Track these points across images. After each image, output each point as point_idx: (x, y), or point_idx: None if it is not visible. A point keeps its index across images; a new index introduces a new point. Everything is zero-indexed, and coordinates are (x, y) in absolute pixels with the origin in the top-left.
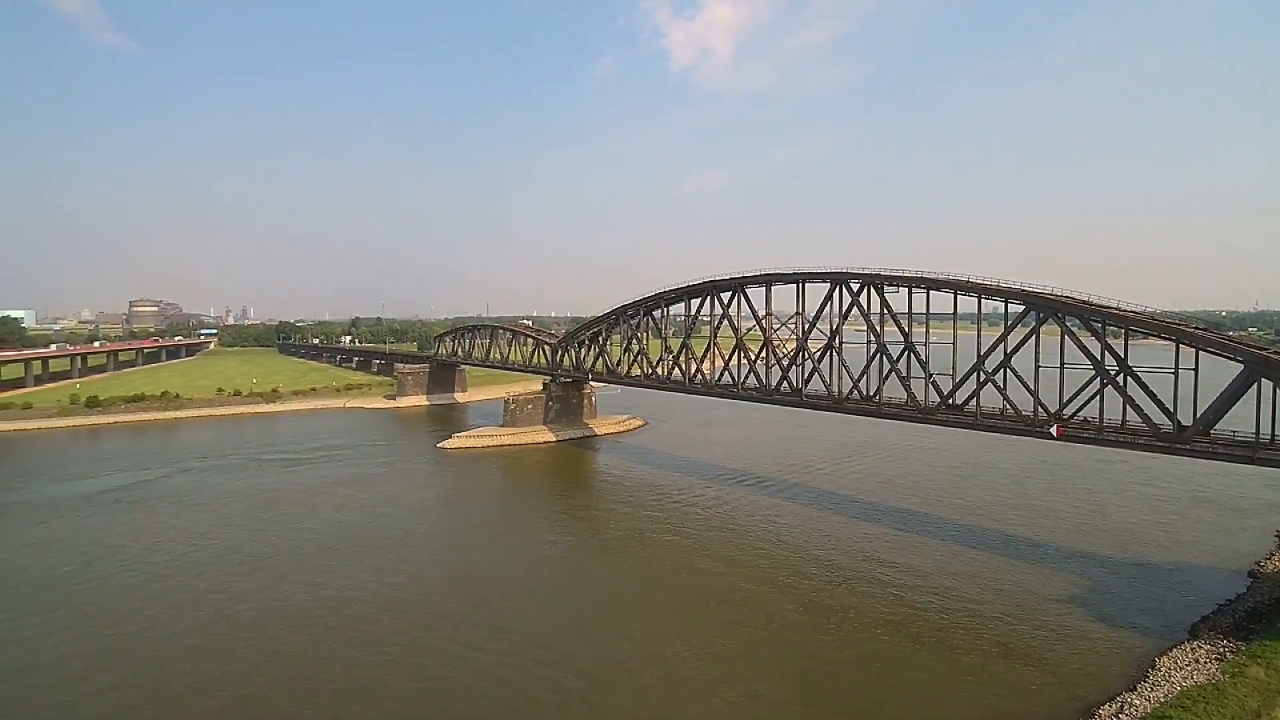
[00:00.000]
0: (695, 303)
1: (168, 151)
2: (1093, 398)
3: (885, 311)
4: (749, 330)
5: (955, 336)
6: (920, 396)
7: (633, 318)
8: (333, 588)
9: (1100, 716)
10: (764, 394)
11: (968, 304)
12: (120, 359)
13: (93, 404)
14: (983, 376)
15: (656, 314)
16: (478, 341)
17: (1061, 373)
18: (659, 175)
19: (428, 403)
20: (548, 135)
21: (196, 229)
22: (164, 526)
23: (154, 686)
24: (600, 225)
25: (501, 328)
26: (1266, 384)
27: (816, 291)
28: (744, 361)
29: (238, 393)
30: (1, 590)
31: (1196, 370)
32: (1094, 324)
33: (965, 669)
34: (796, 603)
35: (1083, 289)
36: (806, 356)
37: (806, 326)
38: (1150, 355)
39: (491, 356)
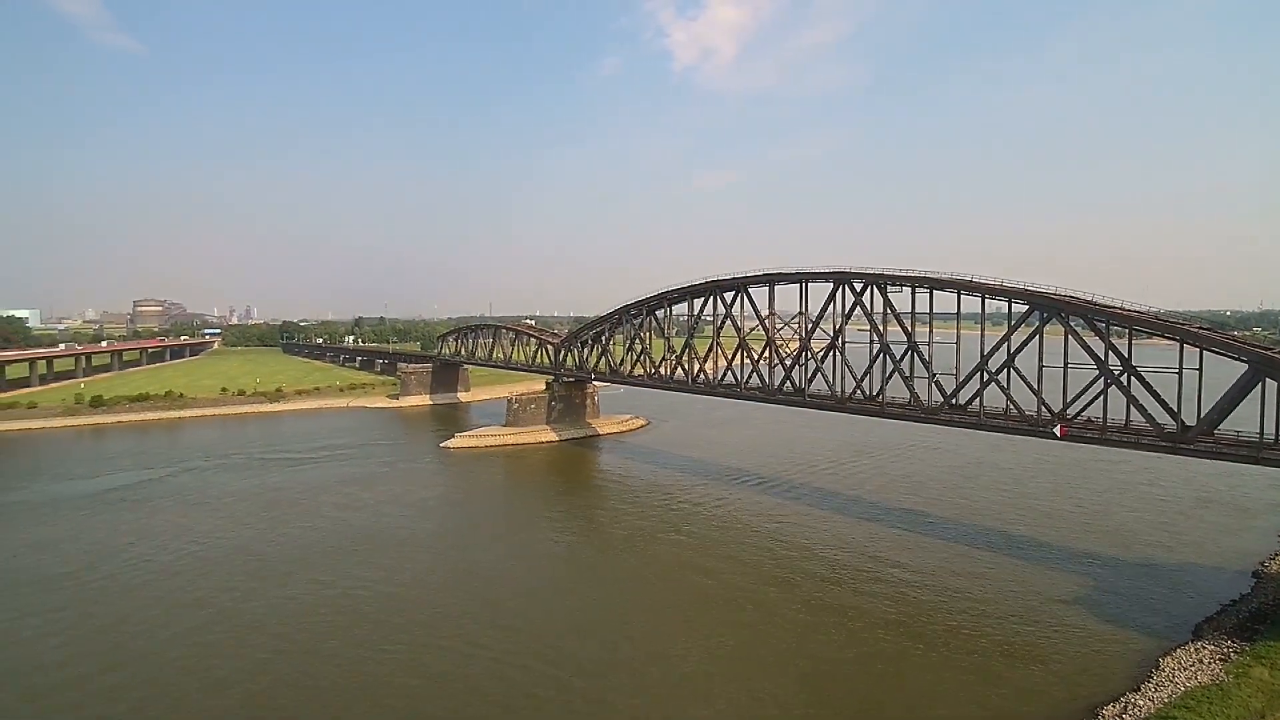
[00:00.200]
0: (698, 302)
1: (171, 151)
2: (1096, 398)
3: (888, 311)
4: (752, 330)
5: (958, 336)
6: (923, 396)
7: (636, 317)
8: (337, 587)
9: (1104, 717)
10: (767, 394)
11: (971, 304)
12: (124, 359)
13: (97, 403)
14: (986, 376)
15: (659, 313)
16: (481, 341)
17: (1065, 372)
18: (661, 175)
19: (431, 402)
20: (550, 135)
21: (200, 229)
22: (168, 525)
23: (161, 686)
24: (603, 225)
25: (504, 327)
26: (1271, 384)
27: (819, 291)
28: (747, 361)
29: (241, 392)
30: (6, 590)
31: (1201, 370)
32: (1098, 324)
33: (969, 669)
34: (800, 602)
35: (1086, 288)
36: (809, 356)
37: (809, 326)
38: (1154, 355)
39: (494, 356)
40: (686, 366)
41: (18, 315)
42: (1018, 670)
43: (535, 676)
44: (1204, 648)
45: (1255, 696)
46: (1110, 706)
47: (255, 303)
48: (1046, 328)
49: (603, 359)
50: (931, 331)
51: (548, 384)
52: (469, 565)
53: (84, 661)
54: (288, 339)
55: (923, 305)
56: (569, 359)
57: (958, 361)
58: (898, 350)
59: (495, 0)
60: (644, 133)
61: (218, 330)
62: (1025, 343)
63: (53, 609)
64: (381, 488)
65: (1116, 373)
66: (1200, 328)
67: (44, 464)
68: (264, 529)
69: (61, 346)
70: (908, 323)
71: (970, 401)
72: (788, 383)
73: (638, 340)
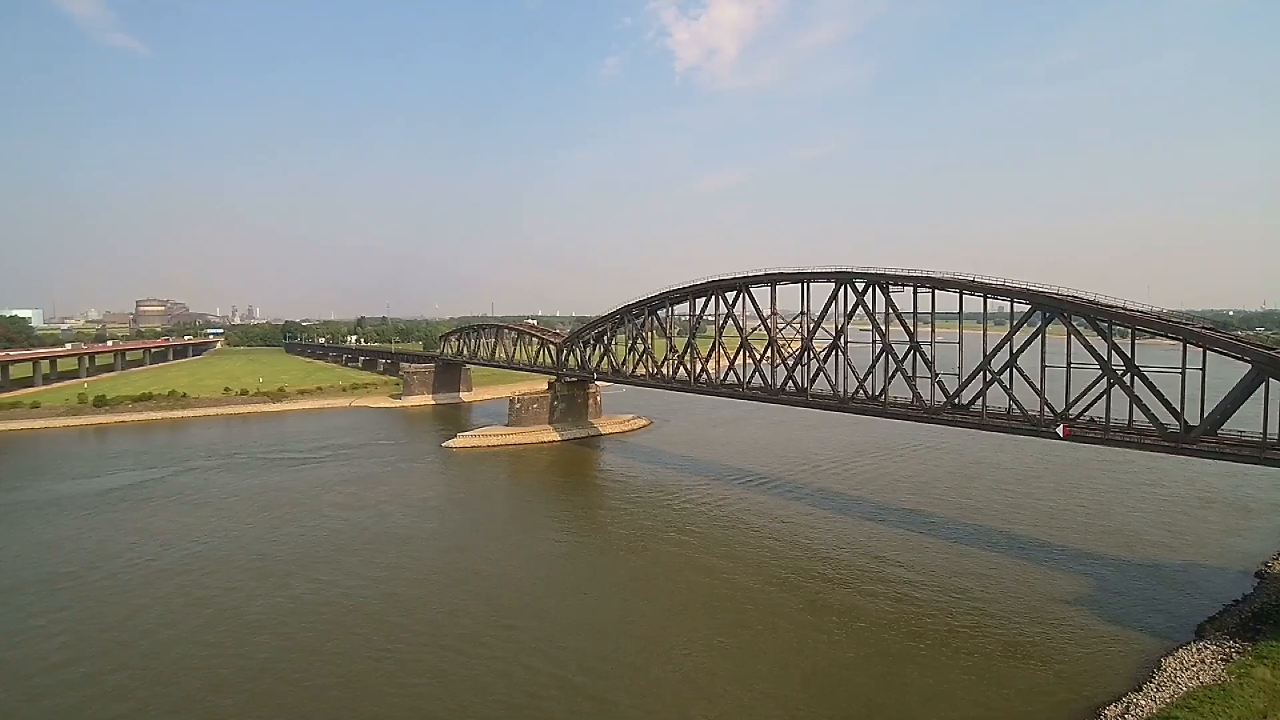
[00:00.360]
0: (700, 302)
1: (174, 152)
2: (1099, 398)
3: (890, 311)
4: (754, 330)
5: (961, 336)
6: (926, 396)
7: (638, 317)
8: (340, 586)
9: (1106, 717)
10: (769, 394)
11: (974, 303)
12: (128, 358)
13: (100, 403)
14: (989, 376)
15: (661, 313)
16: (483, 341)
17: (1068, 372)
18: (663, 175)
19: (433, 402)
20: (552, 135)
21: (203, 229)
22: (171, 525)
23: (165, 686)
24: (604, 225)
25: (507, 327)
26: (1274, 384)
27: (822, 291)
28: (749, 361)
29: (244, 392)
30: (10, 589)
31: (1204, 370)
32: (1100, 324)
33: (971, 669)
34: (803, 601)
35: (1089, 288)
36: (811, 356)
37: (811, 326)
38: (1157, 355)
39: (497, 356)
40: (689, 366)
41: (21, 315)
42: (1020, 670)
43: (538, 675)
44: (1206, 648)
45: (1257, 697)
46: (1112, 706)
47: (258, 302)
48: (1049, 328)
49: (605, 359)
50: (934, 331)
51: (550, 384)
52: (471, 564)
53: (88, 661)
54: (290, 339)
55: (925, 305)
56: (571, 359)
57: (960, 361)
58: (900, 350)
59: (497, 1)
60: (647, 133)
61: (220, 330)
62: (1028, 342)
63: (56, 608)
64: (384, 487)
65: (1119, 373)
66: (1203, 327)
67: (47, 463)
68: (267, 528)
69: (68, 346)
70: (910, 322)
71: (973, 401)
72: (790, 383)
73: (640, 340)
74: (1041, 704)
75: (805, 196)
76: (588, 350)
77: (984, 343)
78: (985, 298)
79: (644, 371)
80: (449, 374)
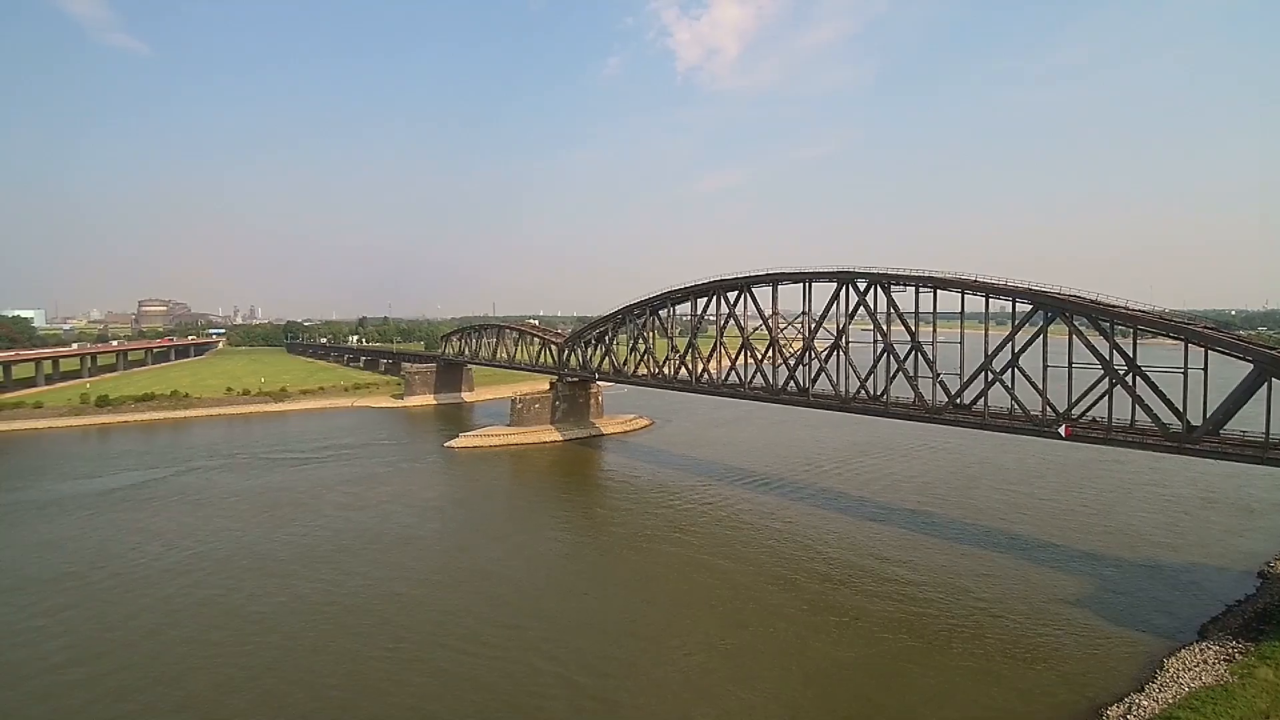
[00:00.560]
0: (701, 302)
1: (175, 152)
2: (1101, 398)
3: (892, 311)
4: (755, 330)
5: (962, 336)
6: (927, 396)
7: (639, 317)
8: (344, 585)
9: (1108, 717)
10: (770, 394)
11: (975, 303)
12: (130, 358)
13: (103, 403)
14: (990, 376)
15: (663, 313)
16: (484, 341)
17: (1070, 372)
18: (665, 175)
19: (435, 402)
20: (554, 135)
21: (205, 229)
22: (174, 525)
23: (170, 686)
24: (605, 225)
25: (508, 327)
26: (1277, 384)
27: (823, 291)
28: (750, 361)
29: (246, 392)
30: (13, 589)
31: (1206, 370)
32: (1102, 323)
33: (973, 669)
34: (805, 601)
35: (1090, 288)
36: (813, 356)
37: (813, 326)
38: (1159, 355)
39: (498, 356)
40: (690, 366)
41: (23, 315)
42: (1022, 670)
43: (541, 674)
44: (1209, 648)
45: (1260, 697)
46: (1115, 707)
47: (260, 303)
48: (1051, 327)
49: (606, 359)
50: (936, 331)
51: (551, 384)
52: (474, 564)
53: (93, 661)
54: (292, 339)
55: (927, 305)
56: (573, 359)
57: (962, 361)
58: (901, 350)
59: (498, 0)
60: (648, 133)
61: (222, 330)
62: (1030, 342)
63: (59, 608)
64: (386, 487)
65: (1121, 373)
66: (1205, 327)
67: (50, 463)
68: (269, 528)
69: (75, 346)
70: (912, 322)
71: (975, 401)
72: (791, 383)
73: (641, 340)
74: (1043, 704)
75: (806, 196)
76: (589, 350)
77: (986, 343)
78: (987, 297)
79: (645, 371)
80: (451, 374)
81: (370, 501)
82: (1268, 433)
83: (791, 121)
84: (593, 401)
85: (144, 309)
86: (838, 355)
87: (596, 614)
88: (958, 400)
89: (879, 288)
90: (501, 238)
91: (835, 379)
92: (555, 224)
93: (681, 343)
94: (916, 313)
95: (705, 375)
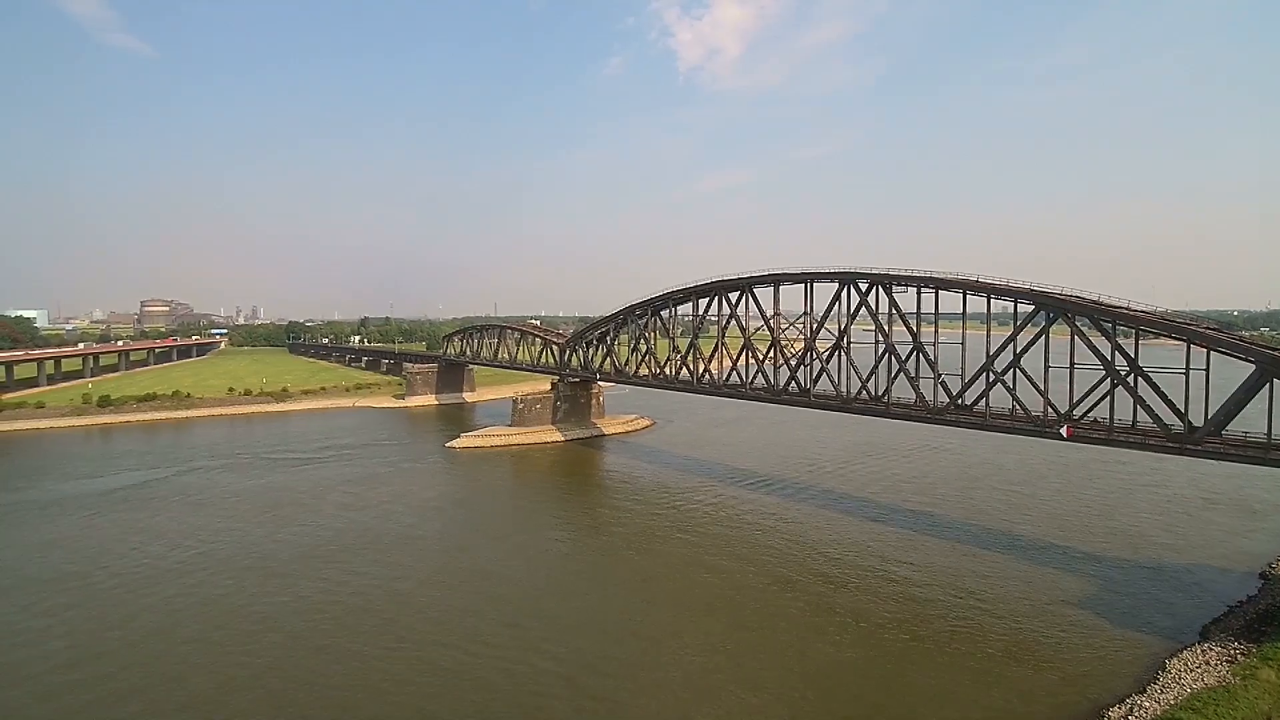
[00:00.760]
0: (703, 302)
1: (177, 152)
2: (1103, 398)
3: (894, 311)
4: (757, 330)
5: (964, 336)
6: (929, 397)
7: (641, 318)
8: (345, 585)
9: (1110, 718)
10: (772, 394)
11: (977, 304)
12: (132, 359)
13: (105, 403)
14: (992, 377)
15: (664, 314)
16: (486, 341)
17: (1071, 373)
18: (666, 175)
19: (436, 402)
20: (556, 136)
21: (207, 229)
22: (176, 525)
23: (173, 685)
24: (607, 225)
25: (510, 327)
26: (1278, 384)
27: (825, 291)
28: (752, 361)
29: (248, 392)
30: (14, 589)
31: (1208, 371)
32: (1104, 324)
33: (974, 669)
34: (806, 602)
35: (1092, 289)
36: (814, 356)
37: (814, 326)
38: (1161, 355)
39: (500, 356)
40: (691, 367)
41: (25, 315)
42: (1023, 671)
43: (543, 674)
44: (1211, 649)
45: (1262, 698)
46: (1116, 708)
47: (262, 303)
48: (1052, 328)
49: (608, 359)
50: (937, 332)
51: (553, 384)
52: (476, 564)
53: (96, 661)
54: (294, 339)
55: (928, 305)
56: (574, 359)
57: (963, 362)
58: (903, 350)
59: (499, 1)
60: (650, 133)
61: (224, 330)
62: (1031, 343)
63: (61, 608)
64: (388, 487)
65: (1123, 373)
66: (1207, 328)
67: (52, 463)
68: (271, 528)
69: (81, 345)
70: (913, 323)
71: (976, 402)
72: (793, 383)
73: (643, 340)
74: (1045, 705)
75: (807, 196)
76: (590, 350)
77: (987, 343)
78: (989, 298)
79: (647, 372)
80: (452, 374)
81: (372, 501)
82: (1269, 433)
83: (793, 121)
84: (594, 402)
85: (146, 309)
86: (839, 356)
87: (597, 614)
88: (959, 401)
89: (880, 288)
90: (503, 238)
91: (837, 379)
92: (556, 224)
93: (683, 343)
94: (918, 313)
95: (707, 376)
